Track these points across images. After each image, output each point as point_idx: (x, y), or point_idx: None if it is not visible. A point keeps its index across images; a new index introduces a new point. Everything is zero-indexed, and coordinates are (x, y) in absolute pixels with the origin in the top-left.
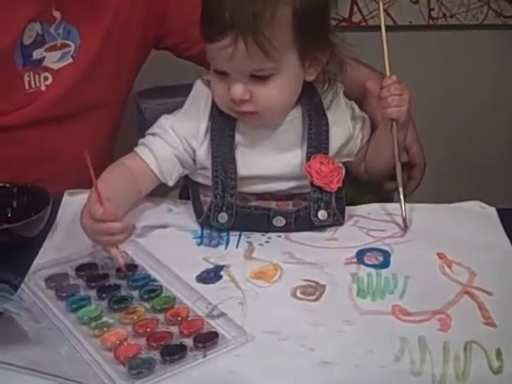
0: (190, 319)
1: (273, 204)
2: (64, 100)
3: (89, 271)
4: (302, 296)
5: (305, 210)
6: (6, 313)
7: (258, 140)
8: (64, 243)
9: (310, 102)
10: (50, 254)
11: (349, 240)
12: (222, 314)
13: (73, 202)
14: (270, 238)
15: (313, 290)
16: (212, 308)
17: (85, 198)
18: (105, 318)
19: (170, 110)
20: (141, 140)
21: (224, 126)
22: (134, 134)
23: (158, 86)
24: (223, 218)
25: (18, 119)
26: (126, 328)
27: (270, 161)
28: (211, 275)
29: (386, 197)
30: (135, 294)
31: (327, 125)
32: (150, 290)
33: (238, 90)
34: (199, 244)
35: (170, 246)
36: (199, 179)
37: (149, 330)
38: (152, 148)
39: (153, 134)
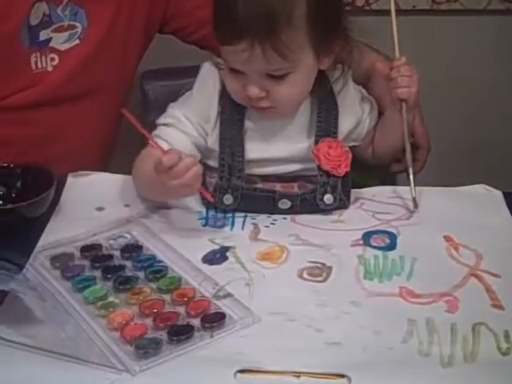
0: (196, 300)
1: (278, 186)
2: (70, 81)
3: (93, 252)
4: (309, 277)
5: (310, 194)
6: (12, 292)
7: (268, 125)
8: (68, 224)
9: (321, 87)
10: (54, 234)
11: (355, 222)
12: (229, 295)
13: (77, 184)
14: (275, 219)
15: (319, 272)
16: (219, 289)
17: (89, 180)
18: (111, 298)
19: (174, 92)
20: (155, 132)
21: (234, 111)
22: (139, 115)
23: (161, 68)
24: (228, 199)
25: (24, 100)
26: (132, 308)
27: (278, 144)
28: (217, 256)
29: (390, 180)
30: (141, 274)
31: (337, 109)
32: (156, 270)
33: (255, 90)
34: (204, 225)
35: (175, 227)
36: (210, 162)
37: (155, 310)
38: (168, 139)
39: (166, 125)
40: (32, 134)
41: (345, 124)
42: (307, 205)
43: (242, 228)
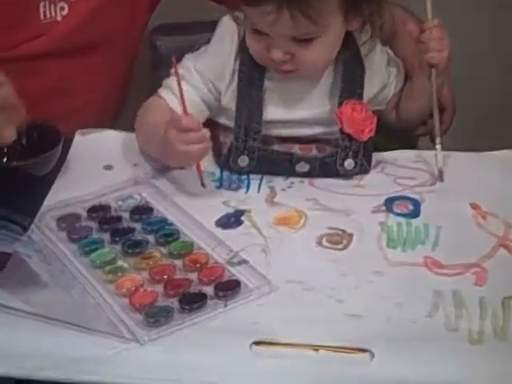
0: (209, 266)
1: (296, 148)
2: (79, 32)
3: (101, 213)
4: (329, 244)
5: (330, 158)
6: (16, 254)
7: (289, 87)
8: (75, 183)
9: (347, 49)
10: (60, 194)
11: (376, 187)
12: (244, 262)
13: (85, 142)
14: (292, 182)
15: (339, 239)
16: (233, 255)
17: (97, 138)
18: (119, 263)
19: (186, 48)
20: (165, 81)
21: (253, 70)
22: (147, 72)
23: (173, 23)
24: (244, 161)
25: (33, 49)
26: (142, 274)
27: (299, 106)
28: (231, 220)
29: (411, 143)
30: (151, 238)
31: (363, 71)
32: (167, 234)
33: (279, 53)
34: (218, 187)
35: (186, 189)
36: (222, 120)
37: (166, 276)
38: (176, 91)
39: None
40: (41, 87)
41: (370, 87)
42: (326, 169)
43: (258, 191)
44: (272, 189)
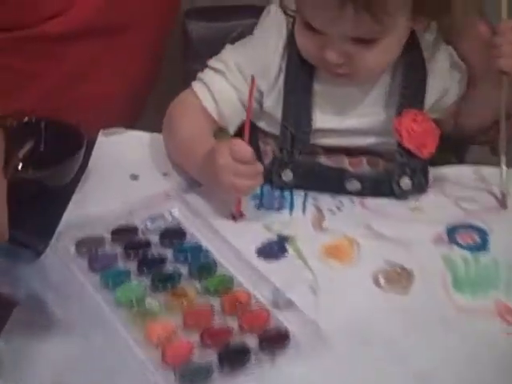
0: (252, 308)
1: (345, 162)
2: (101, 12)
3: (127, 236)
4: (387, 285)
5: (385, 175)
6: (30, 296)
7: (341, 91)
8: (97, 196)
9: (409, 50)
10: (80, 209)
11: (436, 211)
12: (290, 304)
13: (108, 144)
14: (341, 202)
15: (398, 277)
16: (277, 294)
17: (122, 140)
18: (148, 300)
19: (221, 35)
20: (200, 74)
21: (301, 70)
22: (177, 61)
23: (208, 6)
24: (288, 176)
25: (51, 30)
26: (175, 316)
27: (351, 114)
28: (274, 248)
29: (459, 153)
30: (183, 269)
31: (425, 75)
32: (203, 265)
33: (335, 55)
34: (258, 207)
35: (221, 208)
36: (261, 124)
37: (202, 322)
38: (211, 88)
39: (214, 70)
40: (58, 71)
41: (431, 94)
42: (379, 188)
43: (303, 211)
44: (319, 210)
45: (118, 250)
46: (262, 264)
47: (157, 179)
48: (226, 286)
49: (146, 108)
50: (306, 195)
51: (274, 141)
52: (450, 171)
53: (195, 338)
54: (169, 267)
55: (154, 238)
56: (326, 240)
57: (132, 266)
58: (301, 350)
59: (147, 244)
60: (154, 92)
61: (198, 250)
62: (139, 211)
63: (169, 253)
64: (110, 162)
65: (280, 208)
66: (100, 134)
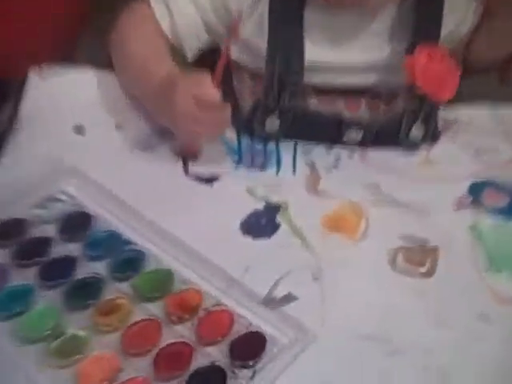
0: (209, 311)
1: (341, 105)
2: None
3: (13, 233)
4: (408, 266)
5: (393, 122)
6: None
7: (339, 19)
8: (30, 156)
9: None
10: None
11: (453, 165)
12: (290, 298)
13: (43, 87)
14: (338, 158)
15: (421, 257)
16: (272, 286)
17: (62, 80)
18: (70, 330)
19: None
20: None
21: None
22: None
23: None
24: (273, 124)
25: None
26: (110, 344)
27: (350, 46)
28: (262, 222)
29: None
30: (102, 270)
31: (441, 7)
32: (127, 260)
33: None
34: (237, 164)
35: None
36: (238, 57)
37: (148, 344)
38: (170, 4)
39: None
40: None
41: (446, 24)
42: (384, 137)
43: (294, 170)
44: (313, 167)
45: (7, 256)
46: (247, 243)
47: (108, 133)
48: (164, 284)
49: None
50: (295, 149)
51: (251, 78)
52: (465, 112)
53: (146, 369)
54: (83, 270)
55: (51, 231)
56: (326, 208)
57: (29, 274)
58: (287, 354)
59: (46, 241)
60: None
61: (115, 238)
62: (23, 196)
63: (76, 250)
64: (47, 111)
65: (264, 166)
66: (30, 73)
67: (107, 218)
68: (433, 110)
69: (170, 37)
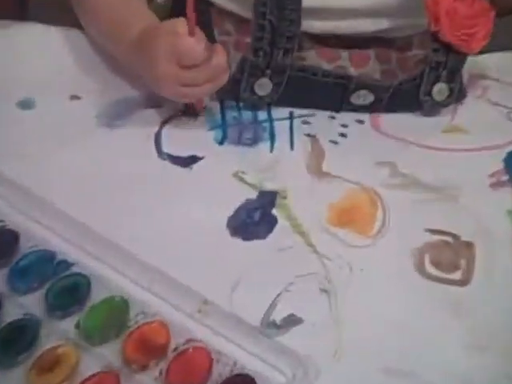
0: (179, 350)
1: (344, 58)
2: None
3: None
4: (437, 272)
5: (409, 80)
6: None
7: None
8: None
9: None
10: None
11: (482, 131)
12: (296, 321)
13: None
14: (345, 125)
15: (453, 257)
16: (272, 305)
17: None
18: None
19: None
20: None
21: None
22: None
23: None
24: (264, 87)
25: None
26: None
27: None
28: (255, 217)
29: None
30: (34, 304)
31: None
32: (66, 287)
33: None
34: (221, 141)
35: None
36: (219, 1)
37: None
38: None
39: None
40: None
41: None
42: (401, 99)
43: (291, 145)
44: (315, 141)
45: None
46: (237, 246)
47: (60, 105)
48: (119, 318)
49: None
50: (291, 117)
51: (236, 29)
52: (491, 63)
53: None
54: (6, 312)
55: None
56: (333, 195)
57: None
58: None
59: None
60: None
61: (47, 260)
62: None
63: None
64: None
65: (254, 142)
66: None
67: (36, 231)
68: (460, 62)
69: None
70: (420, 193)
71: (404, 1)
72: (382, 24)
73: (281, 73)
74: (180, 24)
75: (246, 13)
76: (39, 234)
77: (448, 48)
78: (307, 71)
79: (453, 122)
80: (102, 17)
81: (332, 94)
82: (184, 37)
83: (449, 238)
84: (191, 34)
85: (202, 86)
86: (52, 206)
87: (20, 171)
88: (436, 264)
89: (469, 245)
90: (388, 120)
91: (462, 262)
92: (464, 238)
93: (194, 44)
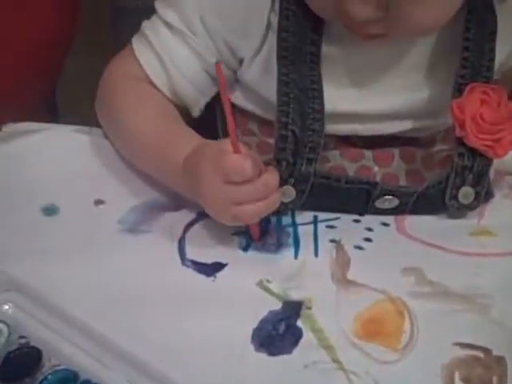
0: None
1: (368, 158)
2: None
3: None
4: None
5: (435, 187)
6: None
7: (362, 55)
8: None
9: None
10: None
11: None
12: None
13: (9, 151)
14: (370, 228)
15: (485, 373)
16: None
17: (33, 143)
18: None
19: None
20: (144, 30)
21: (302, 28)
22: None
23: None
24: (289, 194)
25: None
26: None
27: (377, 89)
28: (280, 330)
29: None
30: None
31: (495, 31)
32: None
33: (368, 8)
34: (245, 248)
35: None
36: (240, 101)
37: None
38: (163, 56)
39: (167, 26)
40: None
41: (498, 53)
42: (426, 203)
43: (316, 252)
44: (339, 247)
45: None
46: (261, 361)
47: (87, 210)
48: None
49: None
50: (315, 222)
51: (257, 126)
52: None
53: None
54: None
55: None
56: (359, 305)
57: None
58: None
59: None
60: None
61: (70, 380)
62: None
63: None
64: (11, 185)
65: (279, 247)
66: None
67: (59, 346)
68: (486, 167)
69: (170, 97)
70: (447, 300)
71: (429, 104)
72: (406, 125)
73: (304, 181)
74: (225, 142)
75: (269, 115)
76: (62, 350)
77: (473, 152)
78: (331, 178)
79: (480, 223)
80: (140, 142)
81: (357, 199)
82: (230, 154)
83: (479, 353)
84: (236, 151)
85: (254, 203)
86: (74, 319)
87: (44, 282)
88: (466, 381)
89: (500, 360)
90: (413, 222)
91: (494, 380)
92: (495, 353)
93: (240, 159)
